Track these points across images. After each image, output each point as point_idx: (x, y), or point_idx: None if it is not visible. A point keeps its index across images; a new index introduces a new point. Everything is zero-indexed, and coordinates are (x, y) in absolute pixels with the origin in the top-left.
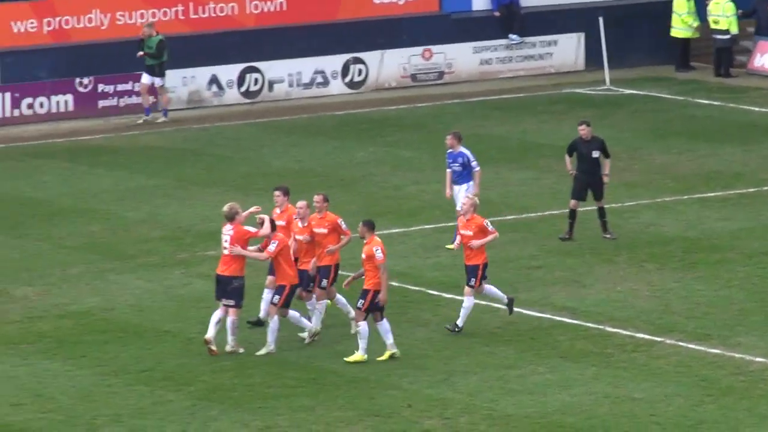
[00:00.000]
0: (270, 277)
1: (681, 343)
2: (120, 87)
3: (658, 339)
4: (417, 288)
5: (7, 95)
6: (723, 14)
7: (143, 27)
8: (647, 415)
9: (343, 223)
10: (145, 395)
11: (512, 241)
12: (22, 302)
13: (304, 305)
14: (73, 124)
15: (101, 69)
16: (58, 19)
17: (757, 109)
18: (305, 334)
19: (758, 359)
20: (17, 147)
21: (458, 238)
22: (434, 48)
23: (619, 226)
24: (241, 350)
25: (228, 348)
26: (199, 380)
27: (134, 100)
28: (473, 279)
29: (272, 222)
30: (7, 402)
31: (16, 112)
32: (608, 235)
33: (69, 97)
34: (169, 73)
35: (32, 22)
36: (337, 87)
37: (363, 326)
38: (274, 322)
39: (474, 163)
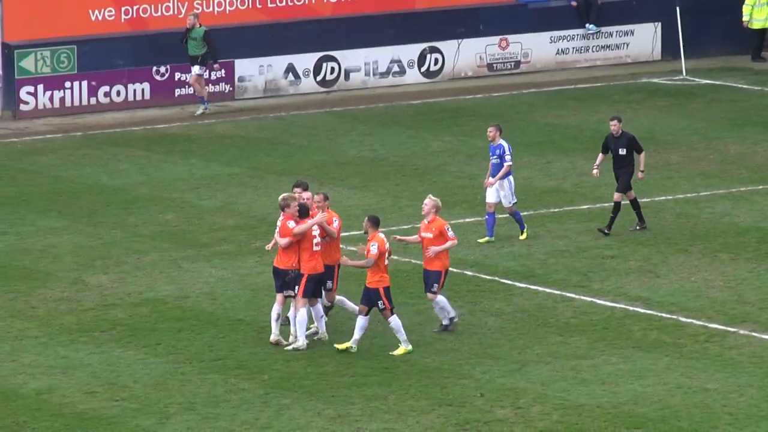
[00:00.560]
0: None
1: (754, 334)
2: None
3: (732, 329)
4: (490, 277)
5: (84, 83)
6: None
7: (188, 16)
8: (720, 406)
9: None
10: (219, 383)
11: (586, 230)
12: (97, 290)
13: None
14: (150, 112)
15: (178, 58)
16: (135, 7)
17: None
18: (310, 332)
19: None
20: (94, 135)
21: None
22: (511, 37)
23: (694, 216)
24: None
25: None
26: (272, 369)
27: (210, 89)
28: (436, 285)
29: (302, 209)
30: (81, 390)
31: (93, 101)
32: (607, 232)
33: (146, 86)
34: (245, 61)
35: (110, 11)
36: (413, 76)
37: (394, 320)
38: (300, 315)
39: (508, 157)
